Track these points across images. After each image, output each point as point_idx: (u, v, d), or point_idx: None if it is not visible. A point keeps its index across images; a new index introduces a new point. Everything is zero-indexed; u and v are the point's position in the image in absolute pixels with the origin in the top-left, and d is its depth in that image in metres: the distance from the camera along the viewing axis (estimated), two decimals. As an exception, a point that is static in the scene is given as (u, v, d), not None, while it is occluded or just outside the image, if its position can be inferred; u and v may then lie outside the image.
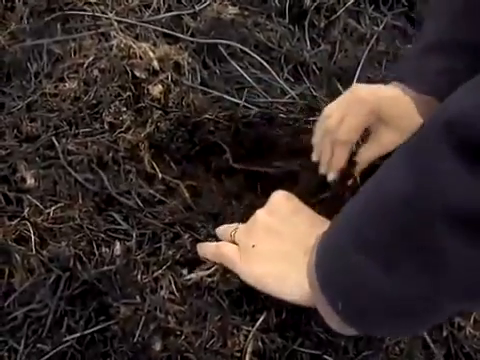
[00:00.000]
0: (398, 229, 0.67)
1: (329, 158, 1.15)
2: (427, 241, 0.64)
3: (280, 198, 1.01)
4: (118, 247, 1.13)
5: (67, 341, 1.05)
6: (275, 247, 0.95)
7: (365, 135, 1.22)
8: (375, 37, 1.80)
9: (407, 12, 1.98)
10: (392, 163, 0.72)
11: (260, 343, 1.08)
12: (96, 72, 1.38)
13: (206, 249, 1.06)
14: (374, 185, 0.76)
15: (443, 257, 0.63)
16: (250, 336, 1.07)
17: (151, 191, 1.18)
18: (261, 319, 1.09)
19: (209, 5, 1.62)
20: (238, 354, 1.06)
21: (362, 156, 1.19)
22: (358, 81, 1.66)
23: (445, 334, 1.22)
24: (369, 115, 1.11)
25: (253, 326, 1.08)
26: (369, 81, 1.69)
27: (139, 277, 1.10)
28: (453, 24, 1.08)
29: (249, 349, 1.06)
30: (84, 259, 1.11)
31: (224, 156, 1.26)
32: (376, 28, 1.86)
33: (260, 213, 0.99)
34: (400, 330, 0.87)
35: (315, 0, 1.82)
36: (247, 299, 1.10)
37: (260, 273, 0.94)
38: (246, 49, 1.55)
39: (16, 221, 1.13)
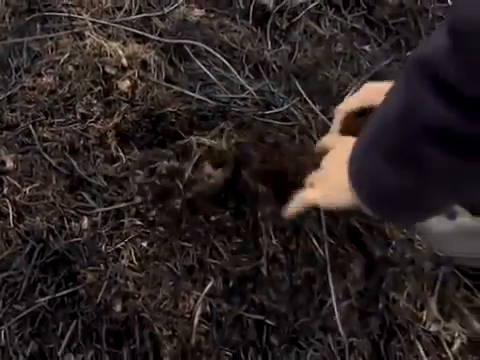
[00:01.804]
0: (396, 141, 0.90)
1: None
2: (413, 150, 0.86)
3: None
4: (86, 222, 1.33)
5: (39, 303, 1.25)
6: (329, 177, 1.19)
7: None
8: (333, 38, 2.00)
9: (366, 15, 2.18)
10: (389, 93, 0.96)
11: (208, 307, 1.28)
12: (71, 68, 1.58)
13: (293, 202, 1.28)
14: (380, 110, 0.99)
15: (425, 161, 0.85)
16: (199, 300, 1.27)
17: (116, 174, 1.38)
18: (209, 286, 1.29)
19: (177, 8, 1.82)
20: (188, 315, 1.27)
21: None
22: (314, 78, 1.87)
23: (381, 306, 1.43)
24: (367, 91, 1.35)
25: (202, 291, 1.28)
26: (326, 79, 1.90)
27: (103, 248, 1.30)
28: None
29: (198, 312, 1.27)
30: (56, 232, 1.31)
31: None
32: (335, 30, 2.06)
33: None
34: (403, 215, 1.05)
35: (278, 3, 2.02)
36: (199, 267, 1.31)
37: (326, 194, 1.17)
38: (210, 49, 1.75)
39: (-4, 198, 1.34)
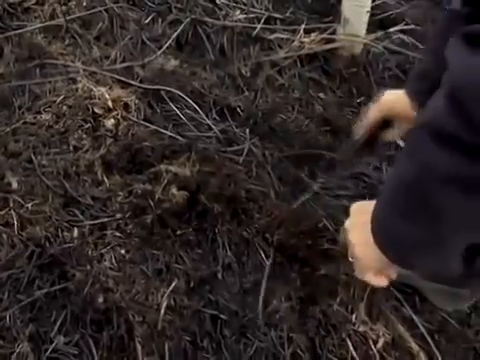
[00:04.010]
0: (414, 199, 1.00)
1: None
2: (433, 202, 0.95)
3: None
4: (76, 232, 1.74)
5: (37, 295, 1.65)
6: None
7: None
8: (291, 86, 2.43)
9: (323, 66, 2.62)
10: (399, 159, 1.05)
11: (172, 301, 1.68)
12: (65, 108, 2.00)
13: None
14: (393, 175, 1.11)
15: (445, 210, 0.95)
16: (165, 295, 1.67)
17: (101, 194, 1.80)
18: (174, 284, 1.70)
19: (155, 58, 2.26)
20: (156, 307, 1.66)
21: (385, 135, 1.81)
22: (273, 121, 2.30)
23: (317, 309, 1.80)
24: (385, 101, 1.73)
25: (168, 289, 1.69)
26: (283, 121, 2.33)
27: (90, 253, 1.71)
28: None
29: (164, 304, 1.67)
30: (51, 239, 1.72)
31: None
32: (294, 79, 2.49)
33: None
34: (426, 265, 1.11)
35: (244, 55, 2.46)
36: (166, 270, 1.72)
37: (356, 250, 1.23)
38: (182, 94, 2.17)
39: (4, 211, 1.74)
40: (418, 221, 1.00)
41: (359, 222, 1.18)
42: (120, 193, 1.81)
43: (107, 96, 2.01)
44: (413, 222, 1.00)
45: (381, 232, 1.10)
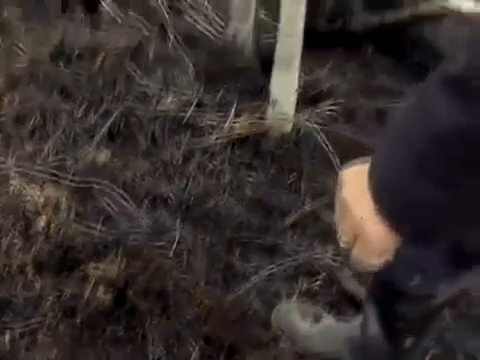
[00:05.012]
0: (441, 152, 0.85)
1: None
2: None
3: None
4: (8, 337, 1.84)
5: None
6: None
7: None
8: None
9: (254, 147, 2.77)
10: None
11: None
12: (-3, 208, 2.11)
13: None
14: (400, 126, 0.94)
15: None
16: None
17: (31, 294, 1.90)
18: None
19: (87, 152, 2.38)
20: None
21: None
22: (204, 206, 2.43)
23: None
24: None
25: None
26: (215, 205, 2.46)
27: (22, 357, 1.81)
28: None
29: None
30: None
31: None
32: (225, 164, 2.63)
33: None
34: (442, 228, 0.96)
35: (175, 142, 2.60)
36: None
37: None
38: (114, 187, 2.30)
39: None
40: (452, 185, 0.87)
41: (363, 190, 0.96)
42: (51, 294, 1.91)
43: (38, 194, 2.12)
44: (447, 187, 0.87)
45: (398, 198, 0.92)
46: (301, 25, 2.72)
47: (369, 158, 0.97)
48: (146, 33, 3.29)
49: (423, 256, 1.43)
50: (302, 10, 2.69)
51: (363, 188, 0.96)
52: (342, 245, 1.03)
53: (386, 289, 1.71)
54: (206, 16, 3.45)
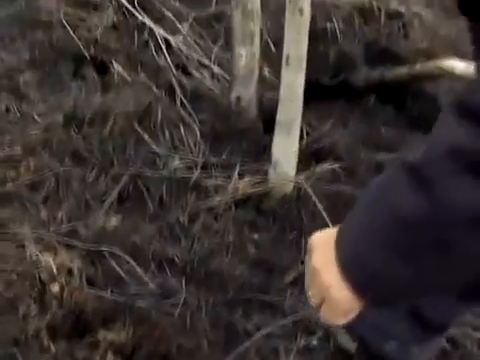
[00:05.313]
0: (419, 234, 0.90)
1: None
2: (445, 237, 0.87)
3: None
4: None
5: None
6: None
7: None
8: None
9: (257, 206, 2.92)
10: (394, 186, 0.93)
11: None
12: (14, 275, 2.27)
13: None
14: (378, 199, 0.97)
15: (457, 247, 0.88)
16: None
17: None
18: None
19: (99, 218, 2.55)
20: None
21: None
22: (209, 267, 2.58)
23: None
24: None
25: None
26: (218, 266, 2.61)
27: None
28: None
29: None
30: None
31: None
32: (229, 224, 2.78)
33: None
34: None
35: (182, 204, 2.76)
36: None
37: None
38: (123, 252, 2.46)
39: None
40: (417, 261, 0.91)
41: (330, 258, 1.01)
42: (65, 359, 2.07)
43: (52, 262, 2.28)
44: (411, 262, 0.91)
45: (363, 269, 0.97)
46: (301, 91, 2.86)
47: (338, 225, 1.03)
48: (155, 91, 3.45)
49: (390, 320, 1.53)
50: (302, 77, 2.83)
51: (330, 256, 1.01)
52: (312, 305, 1.10)
53: (368, 353, 1.76)
54: (213, 75, 3.62)
